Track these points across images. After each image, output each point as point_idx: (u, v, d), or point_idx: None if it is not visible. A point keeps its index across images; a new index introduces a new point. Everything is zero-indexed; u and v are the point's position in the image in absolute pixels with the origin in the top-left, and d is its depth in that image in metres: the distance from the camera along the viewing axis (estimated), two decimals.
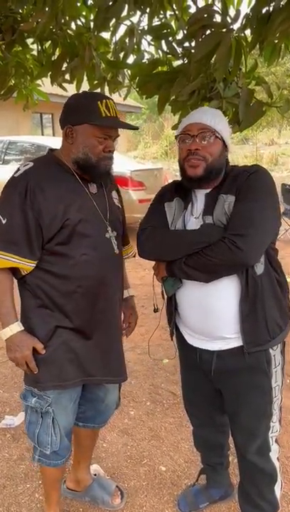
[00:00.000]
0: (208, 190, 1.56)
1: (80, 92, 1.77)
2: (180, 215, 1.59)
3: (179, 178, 1.64)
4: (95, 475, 2.11)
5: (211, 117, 1.53)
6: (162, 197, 1.67)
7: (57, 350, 1.61)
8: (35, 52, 2.65)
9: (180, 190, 1.63)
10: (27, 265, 1.57)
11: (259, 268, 1.48)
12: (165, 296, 1.70)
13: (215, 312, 1.54)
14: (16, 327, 1.59)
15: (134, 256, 1.97)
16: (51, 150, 1.70)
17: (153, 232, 1.59)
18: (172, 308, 1.69)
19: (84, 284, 1.59)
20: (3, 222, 1.54)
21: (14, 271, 1.61)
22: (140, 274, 5.38)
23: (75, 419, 1.88)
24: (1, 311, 1.61)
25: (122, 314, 1.86)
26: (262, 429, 1.62)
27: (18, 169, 1.60)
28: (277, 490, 1.70)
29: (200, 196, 1.58)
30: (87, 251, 1.58)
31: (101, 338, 1.67)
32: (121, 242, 1.76)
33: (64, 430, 1.73)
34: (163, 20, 2.18)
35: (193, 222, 1.56)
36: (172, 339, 1.79)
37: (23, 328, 1.60)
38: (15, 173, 1.59)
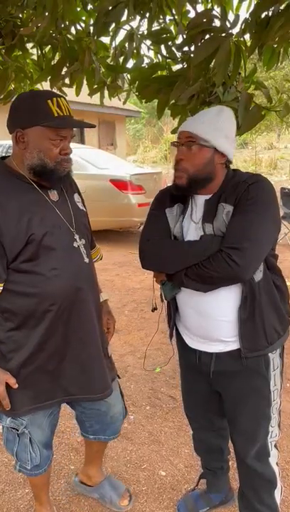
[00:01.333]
0: (208, 197, 1.53)
1: (26, 91, 1.64)
2: (181, 220, 1.58)
3: None
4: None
5: (201, 125, 1.48)
6: (162, 203, 1.65)
7: (32, 375, 1.55)
8: (35, 57, 2.66)
9: (180, 195, 1.62)
10: None
11: (258, 275, 1.48)
12: (164, 299, 1.70)
13: (213, 317, 1.54)
14: None
15: (101, 259, 1.91)
16: (1, 158, 1.56)
17: (156, 245, 1.57)
18: (172, 310, 1.69)
19: (57, 301, 1.50)
20: None
21: None
22: (140, 278, 5.38)
23: (85, 433, 1.87)
24: None
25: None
26: (261, 433, 1.62)
27: None
28: (277, 495, 1.69)
29: (199, 202, 1.56)
30: (56, 265, 1.48)
31: (79, 357, 1.59)
32: (89, 249, 1.68)
33: (42, 445, 1.70)
34: (162, 25, 2.19)
35: (193, 229, 1.54)
36: (171, 341, 1.79)
37: None
38: None
